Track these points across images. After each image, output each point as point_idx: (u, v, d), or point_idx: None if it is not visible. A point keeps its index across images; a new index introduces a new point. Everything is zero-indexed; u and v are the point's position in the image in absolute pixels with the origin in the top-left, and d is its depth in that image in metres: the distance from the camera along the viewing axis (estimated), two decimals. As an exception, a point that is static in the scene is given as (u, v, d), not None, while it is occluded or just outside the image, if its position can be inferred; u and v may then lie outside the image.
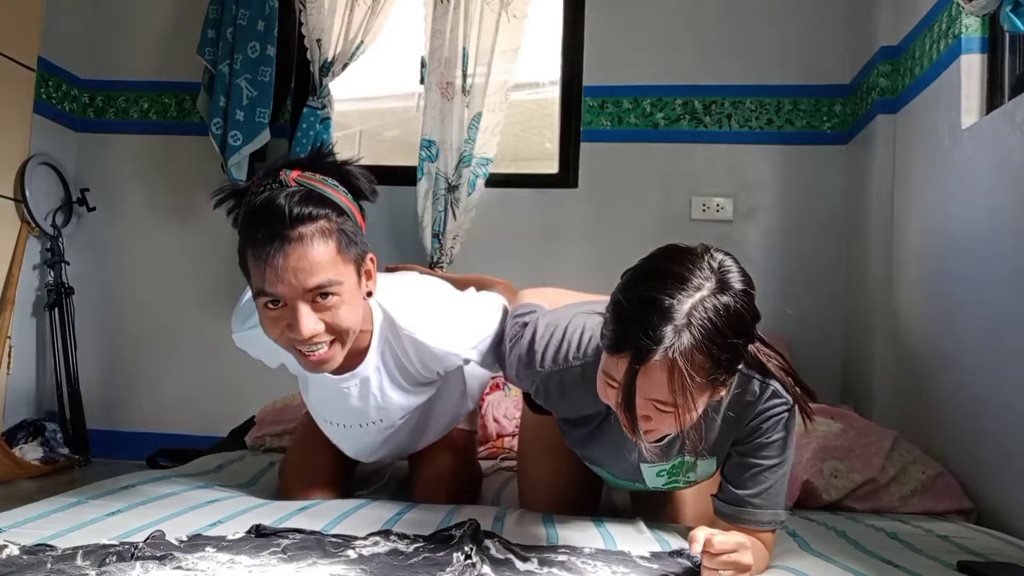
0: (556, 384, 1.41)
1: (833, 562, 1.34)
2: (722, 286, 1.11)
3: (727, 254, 1.17)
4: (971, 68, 2.12)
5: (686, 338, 1.07)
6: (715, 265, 1.13)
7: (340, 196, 1.41)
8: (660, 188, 3.12)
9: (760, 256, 3.07)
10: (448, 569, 1.13)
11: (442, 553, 1.20)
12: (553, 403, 1.46)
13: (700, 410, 1.14)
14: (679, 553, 1.28)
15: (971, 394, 1.99)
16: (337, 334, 1.40)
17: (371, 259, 1.46)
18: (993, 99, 2.08)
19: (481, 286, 1.79)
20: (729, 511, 1.31)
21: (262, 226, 1.35)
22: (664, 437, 1.33)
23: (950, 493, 1.90)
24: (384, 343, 1.57)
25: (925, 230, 2.34)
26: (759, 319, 1.17)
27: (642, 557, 1.27)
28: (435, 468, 1.87)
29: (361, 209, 1.47)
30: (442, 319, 1.58)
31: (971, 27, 2.12)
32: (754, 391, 1.28)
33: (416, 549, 1.24)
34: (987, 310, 1.92)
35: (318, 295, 1.35)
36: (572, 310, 1.50)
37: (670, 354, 1.06)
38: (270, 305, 1.37)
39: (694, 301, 1.09)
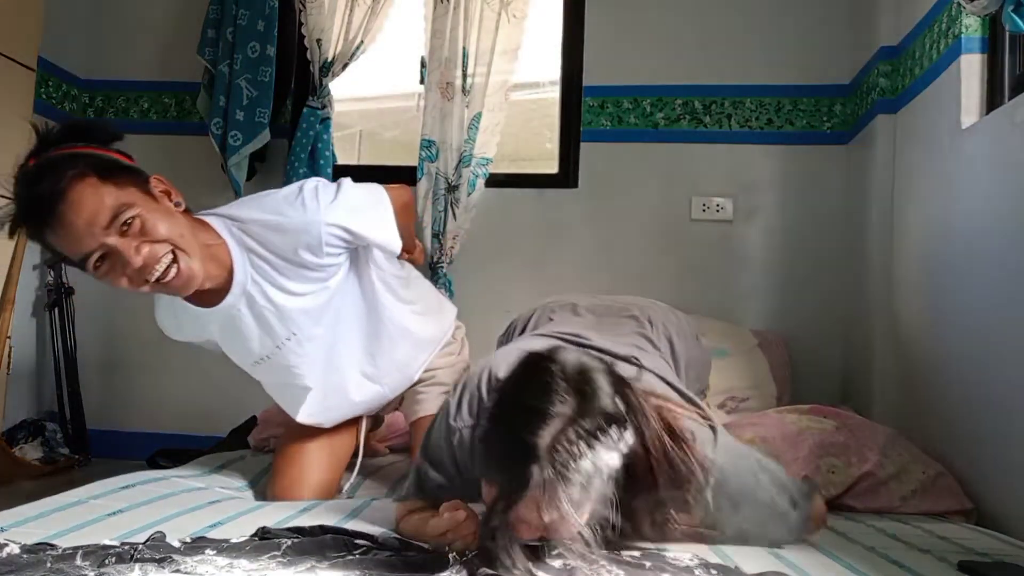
0: (463, 442, 1.38)
1: (836, 559, 1.34)
2: (582, 408, 1.10)
3: (584, 352, 1.18)
4: (971, 68, 2.12)
5: (549, 474, 1.06)
6: (572, 384, 1.12)
7: (75, 149, 1.47)
8: (660, 188, 3.12)
9: (760, 256, 3.07)
10: (446, 570, 1.13)
11: (440, 555, 1.20)
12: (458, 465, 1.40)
13: (588, 512, 1.12)
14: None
15: (971, 394, 1.99)
16: (169, 245, 1.47)
17: (156, 178, 1.56)
18: (993, 99, 2.07)
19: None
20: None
21: (35, 213, 1.42)
22: None
23: (950, 493, 1.89)
24: (243, 250, 1.60)
25: (925, 230, 2.34)
26: (623, 421, 1.13)
27: (633, 557, 1.27)
28: None
29: (122, 152, 1.56)
30: (284, 201, 1.62)
31: (971, 27, 2.11)
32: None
33: (415, 551, 1.24)
34: (987, 310, 1.92)
35: (120, 226, 1.42)
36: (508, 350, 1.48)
37: (541, 490, 1.07)
38: (99, 263, 1.44)
39: (554, 434, 1.08)
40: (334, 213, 1.61)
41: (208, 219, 1.62)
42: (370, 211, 1.70)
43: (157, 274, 1.46)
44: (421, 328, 1.95)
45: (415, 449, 1.94)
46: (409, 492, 1.43)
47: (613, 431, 1.11)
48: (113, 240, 1.42)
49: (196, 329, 1.74)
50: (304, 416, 1.86)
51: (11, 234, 1.49)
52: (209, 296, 1.62)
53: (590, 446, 1.09)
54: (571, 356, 1.17)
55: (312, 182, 1.66)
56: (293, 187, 1.66)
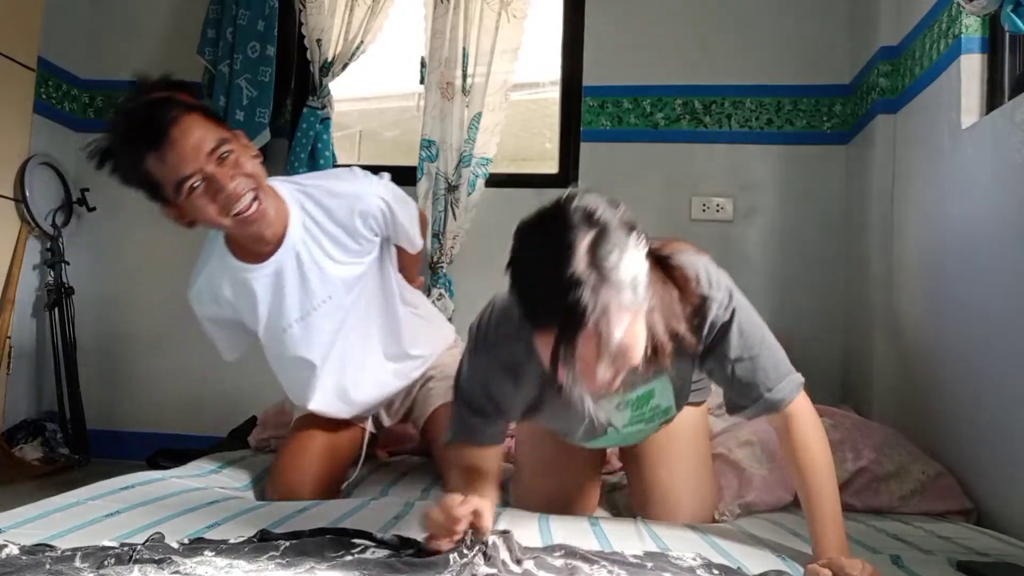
0: (488, 357, 1.39)
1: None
2: (598, 228, 1.11)
3: (585, 191, 1.17)
4: (971, 68, 2.12)
5: (602, 290, 1.07)
6: (581, 216, 1.12)
7: (182, 95, 1.66)
8: (660, 188, 3.12)
9: (760, 256, 3.07)
10: (446, 570, 1.13)
11: (440, 555, 1.19)
12: (496, 390, 1.40)
13: (642, 344, 1.15)
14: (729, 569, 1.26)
15: (971, 394, 1.99)
16: (252, 182, 1.63)
17: (240, 132, 1.72)
18: (993, 99, 2.07)
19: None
20: (754, 411, 1.36)
21: (143, 134, 1.56)
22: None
23: (951, 493, 1.89)
24: (300, 211, 1.76)
25: (925, 230, 2.34)
26: (636, 226, 1.17)
27: (636, 556, 1.27)
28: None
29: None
30: (342, 173, 1.90)
31: (971, 27, 2.11)
32: (700, 310, 1.31)
33: (415, 551, 1.24)
34: (987, 310, 1.92)
35: (218, 157, 1.59)
36: None
37: (598, 312, 1.07)
38: (194, 188, 1.58)
39: (586, 256, 1.08)
40: (385, 191, 1.85)
41: (271, 181, 1.76)
42: (408, 206, 1.93)
43: (241, 205, 1.62)
44: (423, 327, 2.06)
45: (432, 443, 1.95)
46: (452, 436, 1.45)
47: (634, 236, 1.14)
48: (212, 168, 1.58)
49: (237, 294, 1.80)
50: (316, 403, 1.89)
51: (99, 166, 1.62)
52: (256, 257, 1.76)
53: (622, 252, 1.11)
54: (568, 197, 1.16)
55: (359, 170, 1.90)
56: (345, 168, 1.94)
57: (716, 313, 1.32)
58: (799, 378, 1.39)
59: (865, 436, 1.98)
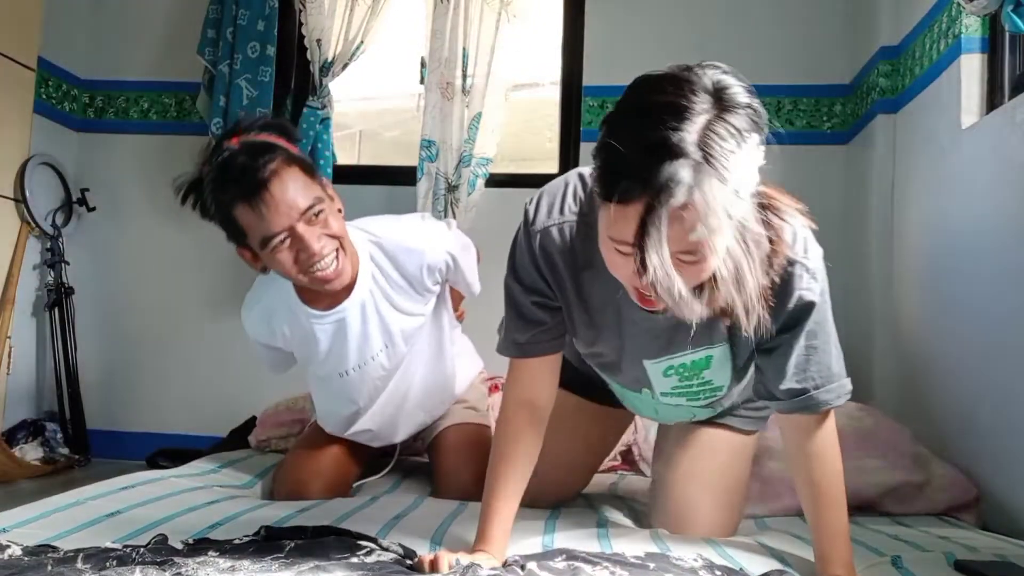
0: (552, 242, 1.26)
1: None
2: (724, 105, 0.98)
3: (718, 67, 1.03)
4: (971, 68, 2.12)
5: (705, 171, 0.94)
6: (709, 86, 0.99)
7: (281, 140, 1.60)
8: (660, 188, 3.11)
9: None
10: (449, 573, 1.13)
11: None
12: (550, 278, 1.28)
13: (722, 257, 0.99)
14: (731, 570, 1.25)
15: (971, 394, 1.99)
16: (336, 242, 1.61)
17: (326, 181, 1.72)
18: (993, 99, 2.07)
19: None
20: (791, 406, 1.23)
21: (239, 181, 1.52)
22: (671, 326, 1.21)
23: (961, 488, 1.86)
24: (370, 262, 1.75)
25: (925, 230, 2.34)
26: (764, 131, 1.03)
27: (637, 557, 1.27)
28: (454, 458, 1.93)
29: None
30: (414, 224, 1.86)
31: (971, 27, 2.12)
32: (785, 276, 1.15)
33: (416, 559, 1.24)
34: (987, 309, 1.92)
35: (311, 215, 1.56)
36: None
37: (693, 194, 0.94)
38: (280, 245, 1.56)
39: (700, 129, 0.95)
40: (452, 243, 1.85)
41: (351, 231, 1.74)
42: (470, 253, 1.94)
43: (322, 265, 1.59)
44: (462, 369, 2.09)
45: (440, 462, 1.96)
46: (500, 345, 1.37)
47: (757, 137, 1.00)
48: (302, 227, 1.55)
49: (296, 334, 1.79)
50: (350, 435, 1.92)
51: (183, 201, 1.62)
52: (322, 303, 1.74)
53: (740, 146, 0.96)
54: (702, 64, 1.03)
55: (428, 216, 1.95)
56: (415, 216, 1.93)
57: (802, 288, 1.17)
58: (849, 385, 1.26)
59: (901, 442, 1.93)
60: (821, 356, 1.23)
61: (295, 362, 1.93)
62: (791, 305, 1.17)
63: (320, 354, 1.79)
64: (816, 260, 1.19)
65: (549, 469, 1.51)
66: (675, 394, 1.41)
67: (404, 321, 1.80)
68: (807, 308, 1.19)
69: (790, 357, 1.22)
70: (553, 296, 1.30)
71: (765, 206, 1.10)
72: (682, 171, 0.94)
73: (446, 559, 1.16)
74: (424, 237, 1.81)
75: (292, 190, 1.54)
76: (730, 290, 1.02)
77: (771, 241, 1.10)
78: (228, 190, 1.54)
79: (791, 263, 1.15)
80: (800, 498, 1.31)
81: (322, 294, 1.71)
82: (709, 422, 1.57)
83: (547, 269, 1.28)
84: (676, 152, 0.94)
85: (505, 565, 1.20)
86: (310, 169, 1.61)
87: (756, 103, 1.01)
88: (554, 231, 1.26)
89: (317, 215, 1.57)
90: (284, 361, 1.93)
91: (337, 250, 1.62)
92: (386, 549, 1.25)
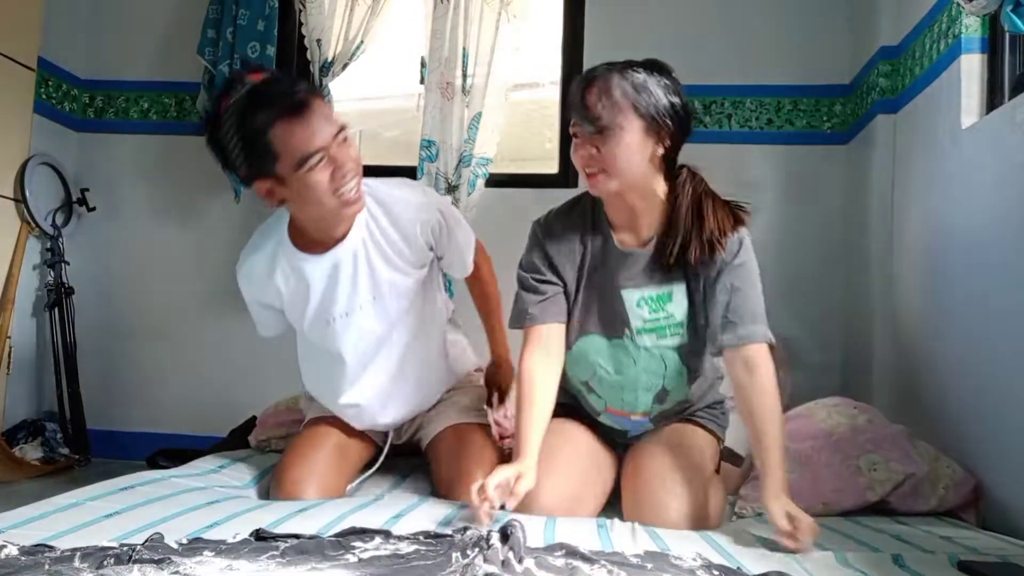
0: (552, 222, 1.75)
1: (839, 559, 1.34)
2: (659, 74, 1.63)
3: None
4: (971, 68, 2.12)
5: (617, 69, 1.59)
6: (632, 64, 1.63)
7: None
8: (660, 188, 3.11)
9: (760, 256, 3.01)
10: (447, 570, 1.13)
11: (441, 554, 1.19)
12: (554, 254, 1.73)
13: (629, 139, 1.57)
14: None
15: (971, 393, 1.99)
16: (357, 168, 1.71)
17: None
18: (993, 99, 2.07)
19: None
20: (734, 337, 1.61)
21: (280, 102, 1.61)
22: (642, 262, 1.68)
23: (969, 488, 1.87)
24: (367, 213, 1.82)
25: (925, 230, 2.34)
26: (688, 133, 1.68)
27: (636, 556, 1.27)
28: (454, 459, 1.92)
29: None
30: (410, 182, 2.00)
31: (971, 27, 2.11)
32: (721, 240, 1.64)
33: (416, 550, 1.24)
34: (987, 310, 1.92)
35: (341, 138, 1.67)
36: None
37: (609, 75, 1.57)
38: (317, 164, 1.63)
39: (619, 66, 1.61)
40: (446, 207, 1.96)
41: None
42: (464, 229, 2.00)
43: (350, 186, 1.69)
44: (456, 356, 2.14)
45: (440, 463, 1.96)
46: (512, 320, 1.76)
47: (665, 80, 1.63)
48: (335, 148, 1.65)
49: (290, 281, 1.85)
50: (345, 398, 1.92)
51: (208, 126, 1.68)
52: (316, 249, 1.82)
53: (648, 78, 1.60)
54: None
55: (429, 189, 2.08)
56: (410, 180, 2.08)
57: (740, 242, 1.66)
58: (770, 334, 1.65)
59: (899, 437, 1.94)
60: (753, 302, 1.65)
61: (286, 324, 1.96)
62: (733, 254, 1.65)
63: (312, 299, 1.84)
64: (746, 239, 1.68)
65: (560, 501, 1.67)
66: (647, 330, 1.70)
67: (394, 276, 1.85)
68: (742, 257, 1.66)
69: (731, 298, 1.63)
70: (559, 273, 1.74)
71: (711, 193, 1.71)
72: (602, 68, 1.61)
73: (485, 507, 1.46)
74: (419, 191, 1.93)
75: (327, 113, 1.66)
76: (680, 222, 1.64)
77: (724, 208, 1.68)
78: (264, 112, 1.59)
79: (723, 233, 1.64)
80: (748, 428, 1.61)
81: (316, 241, 1.81)
82: (674, 420, 1.82)
83: (555, 249, 1.74)
84: (603, 66, 1.62)
85: (505, 563, 1.20)
86: (328, 102, 1.75)
87: (678, 94, 1.67)
88: (563, 225, 1.76)
89: (345, 139, 1.68)
90: (276, 321, 1.96)
91: (357, 176, 1.71)
92: (400, 538, 1.25)
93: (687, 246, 1.62)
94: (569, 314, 1.74)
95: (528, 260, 1.76)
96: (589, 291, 1.73)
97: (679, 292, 1.69)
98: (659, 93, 1.59)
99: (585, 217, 1.74)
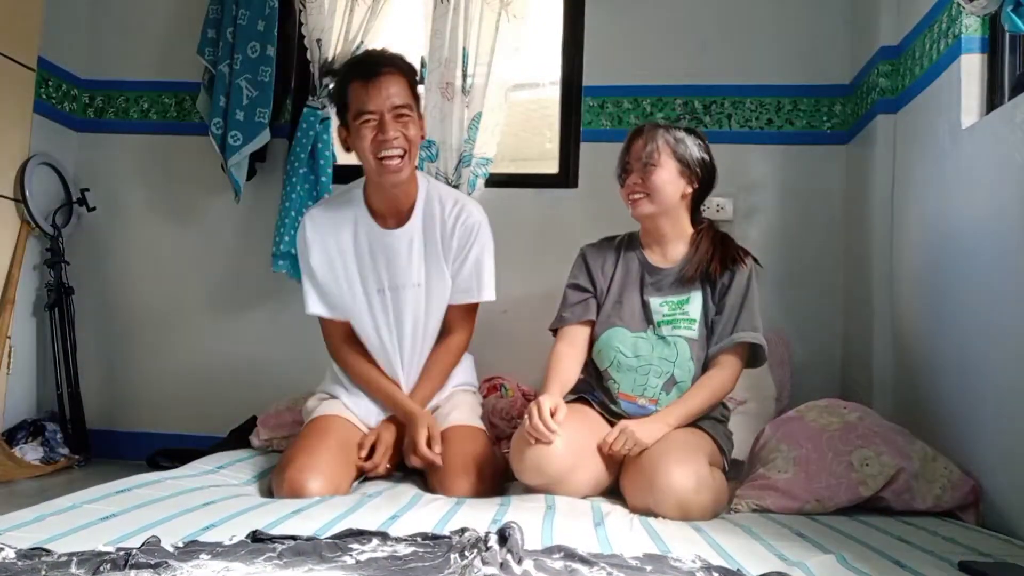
0: (598, 242, 2.25)
1: (839, 559, 1.34)
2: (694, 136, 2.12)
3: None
4: (971, 68, 2.11)
5: (663, 126, 2.11)
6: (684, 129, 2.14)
7: (405, 63, 2.10)
8: (660, 188, 3.11)
9: (760, 256, 3.01)
10: (445, 572, 1.13)
11: (439, 556, 1.19)
12: (593, 266, 2.18)
13: (667, 175, 2.06)
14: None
15: (971, 394, 1.98)
16: (407, 147, 2.02)
17: (423, 115, 2.13)
18: (993, 99, 2.07)
19: None
20: (730, 342, 2.02)
21: (365, 64, 2.06)
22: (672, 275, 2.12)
23: (968, 488, 1.88)
24: (426, 202, 2.14)
25: (925, 230, 2.34)
26: (712, 187, 2.18)
27: (635, 559, 1.26)
28: (456, 459, 1.96)
29: None
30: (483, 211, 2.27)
31: (971, 27, 2.11)
32: (731, 266, 2.08)
33: (414, 552, 1.23)
34: (987, 310, 1.92)
35: (398, 113, 2.00)
36: None
37: (656, 134, 2.07)
38: (367, 120, 1.99)
39: (664, 125, 2.13)
40: (490, 242, 2.22)
41: (419, 176, 2.19)
42: (490, 270, 2.21)
43: (390, 153, 1.99)
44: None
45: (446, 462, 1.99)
46: (556, 320, 2.16)
47: (700, 141, 2.13)
48: (389, 117, 2.00)
49: (347, 246, 2.14)
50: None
51: (333, 93, 2.23)
52: (388, 221, 2.14)
53: (688, 138, 2.10)
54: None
55: None
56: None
57: (745, 269, 2.08)
58: (763, 340, 2.06)
59: (890, 432, 1.97)
60: (752, 315, 2.05)
61: (335, 295, 2.15)
62: (735, 276, 2.07)
63: (362, 270, 2.12)
64: (751, 268, 2.11)
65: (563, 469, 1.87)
66: (665, 322, 2.06)
67: (425, 266, 2.13)
68: (745, 279, 2.07)
69: (737, 310, 2.05)
70: (596, 282, 2.18)
71: (721, 233, 2.17)
72: (649, 128, 2.11)
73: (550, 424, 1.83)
74: (470, 199, 2.25)
75: (395, 88, 2.00)
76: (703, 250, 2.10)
77: (724, 243, 2.14)
78: (351, 71, 2.06)
79: (733, 261, 2.08)
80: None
81: (387, 215, 2.13)
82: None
83: (596, 263, 2.20)
84: (649, 124, 2.15)
85: (503, 565, 1.20)
86: (415, 87, 2.07)
87: (708, 159, 2.16)
88: (601, 248, 2.26)
89: (401, 116, 2.00)
90: (322, 297, 2.16)
91: (405, 152, 2.01)
92: (397, 540, 1.25)
93: (708, 263, 2.06)
94: (600, 310, 2.13)
95: (572, 274, 2.20)
96: (619, 293, 2.12)
97: (696, 298, 2.07)
98: (693, 148, 2.08)
99: (623, 241, 2.21)
